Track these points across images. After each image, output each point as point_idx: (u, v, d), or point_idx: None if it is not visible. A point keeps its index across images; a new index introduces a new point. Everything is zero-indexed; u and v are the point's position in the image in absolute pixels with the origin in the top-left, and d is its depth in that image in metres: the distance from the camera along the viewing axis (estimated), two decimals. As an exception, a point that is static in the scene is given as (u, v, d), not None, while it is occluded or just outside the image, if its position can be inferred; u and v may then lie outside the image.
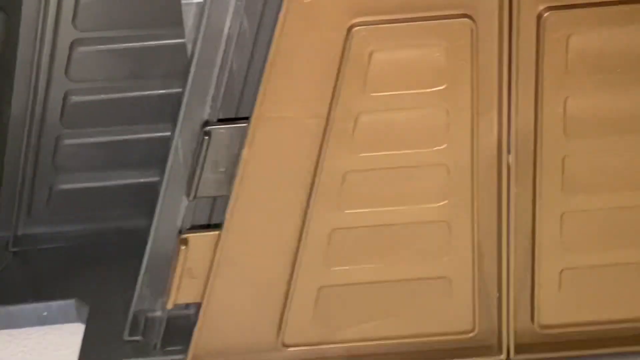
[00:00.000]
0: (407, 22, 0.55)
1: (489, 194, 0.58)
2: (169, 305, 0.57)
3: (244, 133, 0.56)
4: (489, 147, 0.57)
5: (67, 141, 0.70)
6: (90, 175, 0.75)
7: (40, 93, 0.65)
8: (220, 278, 0.57)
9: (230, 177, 0.57)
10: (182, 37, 0.60)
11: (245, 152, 0.55)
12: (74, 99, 0.65)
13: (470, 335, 0.60)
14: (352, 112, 0.55)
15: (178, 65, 0.63)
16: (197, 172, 0.58)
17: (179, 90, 0.61)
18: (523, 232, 0.58)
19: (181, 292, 0.57)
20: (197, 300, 0.57)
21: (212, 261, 0.57)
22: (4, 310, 0.73)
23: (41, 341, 0.74)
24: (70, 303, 0.73)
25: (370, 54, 0.55)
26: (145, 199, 0.66)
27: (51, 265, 0.78)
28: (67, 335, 0.68)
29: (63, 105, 0.66)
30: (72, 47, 0.63)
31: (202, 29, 0.57)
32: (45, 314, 0.74)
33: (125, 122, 0.68)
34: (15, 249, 0.79)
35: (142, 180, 0.71)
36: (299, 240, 0.57)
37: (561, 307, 0.60)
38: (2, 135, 0.65)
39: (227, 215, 0.56)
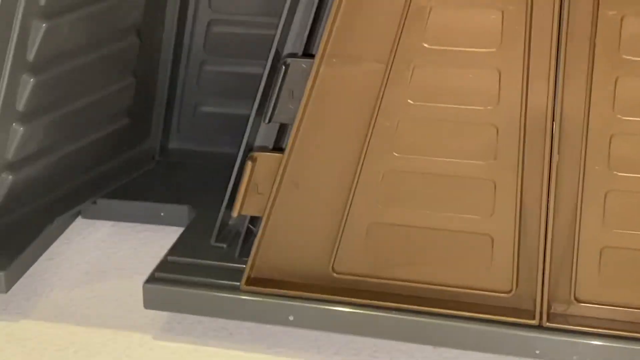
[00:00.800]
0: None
1: (536, 158, 0.59)
2: (234, 214, 0.63)
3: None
4: (539, 112, 0.58)
5: (209, 67, 0.76)
6: (227, 102, 0.82)
7: (188, 20, 0.71)
8: (281, 197, 0.62)
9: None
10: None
11: (310, 84, 0.60)
12: (216, 29, 0.71)
13: (507, 295, 0.61)
14: (410, 61, 0.59)
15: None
16: (274, 98, 0.63)
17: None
18: (567, 203, 0.59)
19: (246, 205, 0.63)
20: (260, 214, 0.63)
21: (274, 180, 0.62)
22: (131, 205, 0.84)
23: (152, 236, 0.84)
24: (183, 208, 0.83)
25: (430, 9, 0.58)
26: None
27: (183, 177, 0.88)
28: (174, 235, 0.77)
29: (206, 34, 0.72)
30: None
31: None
32: (162, 214, 0.84)
33: (258, 56, 0.73)
34: (159, 159, 0.89)
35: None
36: (355, 174, 0.61)
37: (599, 284, 0.60)
38: (155, 57, 0.72)
39: (290, 141, 0.61)
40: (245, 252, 0.70)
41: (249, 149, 0.66)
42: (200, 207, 0.80)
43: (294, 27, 0.64)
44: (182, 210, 0.82)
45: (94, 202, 0.85)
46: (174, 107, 0.85)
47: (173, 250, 0.74)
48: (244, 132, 0.68)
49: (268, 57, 0.65)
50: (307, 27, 0.64)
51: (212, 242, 0.73)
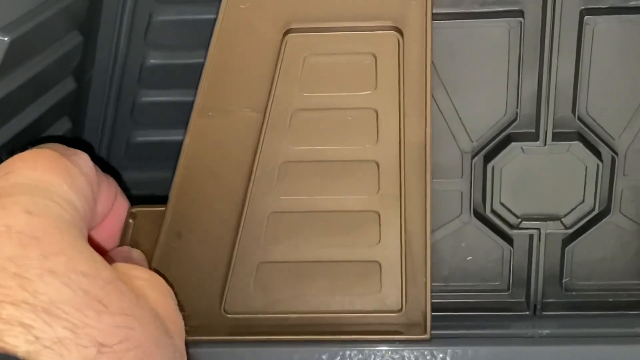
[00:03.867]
0: (339, 31, 0.57)
1: (416, 188, 0.61)
2: (117, 273, 0.61)
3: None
4: (416, 147, 0.60)
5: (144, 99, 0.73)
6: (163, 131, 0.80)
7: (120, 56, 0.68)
8: (165, 249, 0.61)
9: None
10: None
11: (186, 138, 0.59)
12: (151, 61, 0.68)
13: (398, 314, 0.64)
14: (288, 109, 0.59)
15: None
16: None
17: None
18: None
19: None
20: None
21: (158, 234, 0.61)
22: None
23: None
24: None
25: (304, 59, 0.58)
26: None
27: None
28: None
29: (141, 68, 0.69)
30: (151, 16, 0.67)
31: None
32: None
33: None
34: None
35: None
36: (240, 218, 0.61)
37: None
38: (85, 92, 0.68)
39: (173, 192, 0.60)
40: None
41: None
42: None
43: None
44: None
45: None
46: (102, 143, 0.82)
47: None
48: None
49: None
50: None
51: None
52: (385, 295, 0.65)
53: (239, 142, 0.60)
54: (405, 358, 0.65)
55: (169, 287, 0.46)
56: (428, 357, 0.64)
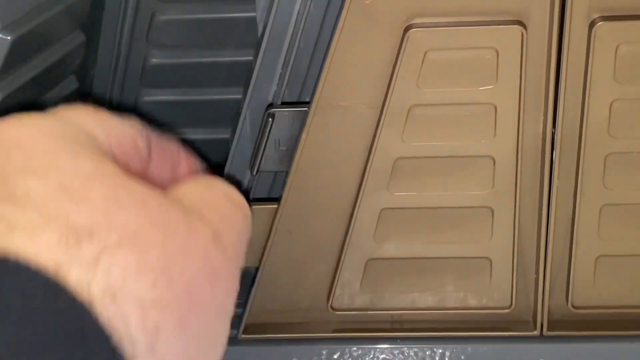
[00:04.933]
0: (461, 26, 0.57)
1: (531, 184, 0.61)
2: (229, 268, 0.61)
3: (304, 117, 0.60)
4: (533, 141, 0.59)
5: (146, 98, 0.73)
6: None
7: (122, 55, 0.68)
8: (276, 246, 0.61)
9: (290, 155, 0.61)
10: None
11: (304, 135, 0.58)
12: (153, 61, 0.68)
13: (507, 311, 0.63)
14: (405, 104, 0.58)
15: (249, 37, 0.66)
16: (261, 149, 0.62)
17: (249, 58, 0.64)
18: (563, 221, 0.61)
19: (240, 257, 0.62)
20: (254, 265, 0.62)
21: (269, 231, 0.61)
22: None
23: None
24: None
25: (425, 53, 0.57)
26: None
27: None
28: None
29: (143, 67, 0.69)
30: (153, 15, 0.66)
31: (273, 11, 0.60)
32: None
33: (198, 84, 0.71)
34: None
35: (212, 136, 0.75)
36: (351, 217, 0.61)
37: (595, 290, 0.63)
38: (87, 91, 0.69)
39: (285, 190, 0.60)
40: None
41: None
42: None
43: (274, 74, 0.62)
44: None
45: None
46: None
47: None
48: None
49: (241, 107, 0.63)
50: (287, 74, 0.62)
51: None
52: (495, 292, 0.64)
53: (354, 138, 0.60)
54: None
55: (221, 182, 0.43)
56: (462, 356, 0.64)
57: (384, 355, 0.66)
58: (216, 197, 0.41)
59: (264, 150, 0.62)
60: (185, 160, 0.48)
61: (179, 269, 0.33)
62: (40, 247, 0.31)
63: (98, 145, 0.38)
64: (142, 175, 0.42)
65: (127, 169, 0.38)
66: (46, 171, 0.33)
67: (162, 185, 0.44)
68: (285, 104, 0.62)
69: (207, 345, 0.35)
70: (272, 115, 0.61)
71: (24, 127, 0.36)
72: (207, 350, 0.35)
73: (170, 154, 0.45)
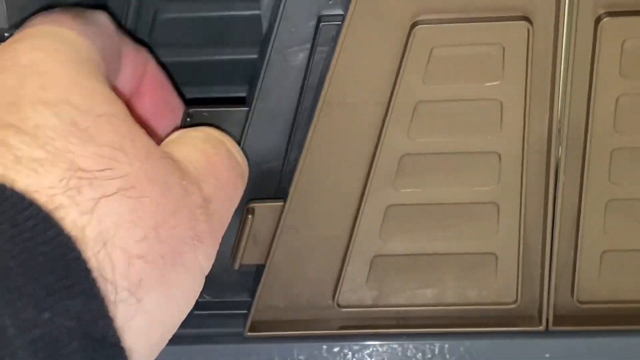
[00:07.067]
0: (467, 22, 0.57)
1: (537, 180, 0.61)
2: (236, 266, 0.61)
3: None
4: (539, 137, 0.59)
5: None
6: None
7: None
8: (282, 243, 0.61)
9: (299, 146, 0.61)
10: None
11: (310, 132, 0.59)
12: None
13: (512, 306, 0.63)
14: (411, 101, 0.59)
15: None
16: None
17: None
18: (568, 216, 0.61)
19: (246, 255, 0.62)
20: (261, 262, 0.62)
21: (275, 229, 0.61)
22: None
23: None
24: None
25: (431, 49, 0.57)
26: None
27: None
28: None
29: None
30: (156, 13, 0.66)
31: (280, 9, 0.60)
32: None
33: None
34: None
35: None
36: (357, 214, 0.61)
37: (600, 285, 0.63)
38: None
39: (292, 188, 0.60)
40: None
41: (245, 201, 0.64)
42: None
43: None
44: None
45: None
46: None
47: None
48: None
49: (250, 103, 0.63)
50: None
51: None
52: (500, 287, 0.64)
53: (360, 135, 0.60)
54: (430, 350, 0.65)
55: (222, 139, 0.46)
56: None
57: (389, 351, 0.66)
58: (218, 158, 0.43)
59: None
60: (153, 65, 0.49)
61: (167, 228, 0.35)
62: (41, 185, 0.31)
63: (98, 55, 0.39)
64: (114, 61, 0.44)
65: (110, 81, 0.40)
66: (59, 104, 0.34)
67: (124, 93, 0.46)
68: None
69: (182, 302, 0.37)
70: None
71: (40, 50, 0.37)
72: (180, 305, 0.37)
73: (140, 54, 0.46)
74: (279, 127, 0.61)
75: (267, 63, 0.60)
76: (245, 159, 0.47)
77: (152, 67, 0.51)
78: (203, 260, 0.38)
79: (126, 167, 0.33)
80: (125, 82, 0.47)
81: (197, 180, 0.40)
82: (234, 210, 0.46)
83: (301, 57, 0.60)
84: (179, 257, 0.36)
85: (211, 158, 0.42)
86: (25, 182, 0.31)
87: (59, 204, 0.32)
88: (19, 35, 0.40)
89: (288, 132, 0.61)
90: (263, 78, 0.60)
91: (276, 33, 0.59)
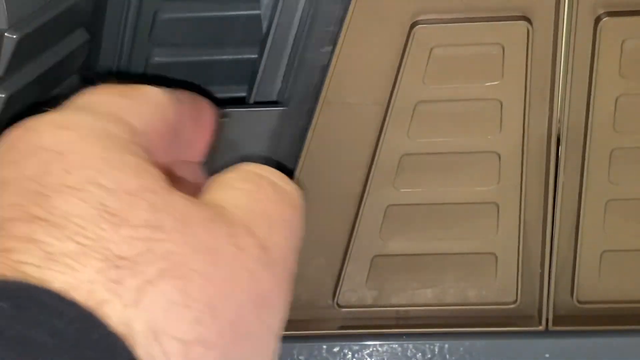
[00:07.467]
0: (467, 22, 0.57)
1: (537, 180, 0.61)
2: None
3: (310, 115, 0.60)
4: (539, 137, 0.59)
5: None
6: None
7: (125, 54, 0.67)
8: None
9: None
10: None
11: (310, 132, 0.59)
12: (156, 59, 0.68)
13: (512, 306, 0.63)
14: (411, 101, 0.59)
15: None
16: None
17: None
18: (568, 216, 0.61)
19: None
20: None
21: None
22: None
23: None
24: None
25: (431, 50, 0.57)
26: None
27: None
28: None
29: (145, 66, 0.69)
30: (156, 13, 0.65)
31: (278, 8, 0.60)
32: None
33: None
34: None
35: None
36: (357, 214, 0.61)
37: (600, 285, 0.63)
38: None
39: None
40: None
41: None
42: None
43: (278, 72, 0.62)
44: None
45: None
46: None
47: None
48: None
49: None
50: (291, 72, 0.62)
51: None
52: (500, 287, 0.64)
53: (360, 135, 0.60)
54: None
55: (260, 172, 0.39)
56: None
57: (389, 351, 0.66)
58: (263, 194, 0.38)
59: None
60: (207, 109, 0.46)
61: (223, 300, 0.32)
62: (79, 281, 0.29)
63: (136, 135, 0.36)
64: (171, 141, 0.39)
65: (159, 149, 0.37)
66: (86, 187, 0.31)
67: (187, 140, 0.43)
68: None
69: None
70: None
71: (62, 130, 0.34)
72: None
73: (195, 109, 0.43)
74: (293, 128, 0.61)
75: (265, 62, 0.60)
76: (293, 185, 0.41)
77: (206, 111, 0.47)
78: (272, 320, 0.34)
79: (166, 244, 0.30)
80: (182, 129, 0.43)
81: (247, 226, 0.35)
82: (297, 249, 0.40)
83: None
84: (243, 327, 0.32)
85: (256, 196, 0.38)
86: (61, 279, 0.29)
87: (101, 299, 0.29)
88: (51, 114, 0.36)
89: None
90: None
91: (275, 33, 0.59)
